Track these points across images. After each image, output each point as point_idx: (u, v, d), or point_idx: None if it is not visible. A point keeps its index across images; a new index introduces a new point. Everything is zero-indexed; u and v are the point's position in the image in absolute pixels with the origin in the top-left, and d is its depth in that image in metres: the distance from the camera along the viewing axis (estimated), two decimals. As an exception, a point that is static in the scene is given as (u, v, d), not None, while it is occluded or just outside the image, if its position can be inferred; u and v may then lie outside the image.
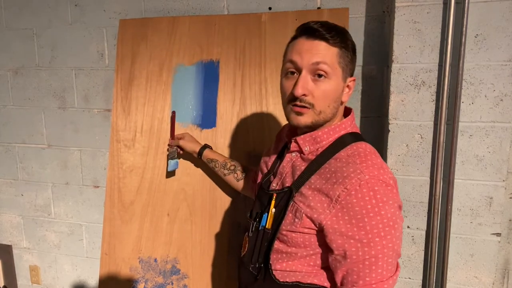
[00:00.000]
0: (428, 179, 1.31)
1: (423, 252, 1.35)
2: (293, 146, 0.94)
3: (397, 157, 1.33)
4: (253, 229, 0.98)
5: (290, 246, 0.90)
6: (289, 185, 0.92)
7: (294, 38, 0.89)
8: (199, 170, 1.54)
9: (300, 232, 0.87)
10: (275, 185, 0.97)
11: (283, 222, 0.89)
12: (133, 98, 1.61)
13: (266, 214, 0.94)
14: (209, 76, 1.53)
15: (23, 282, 2.11)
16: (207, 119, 1.53)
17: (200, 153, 1.40)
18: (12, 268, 2.10)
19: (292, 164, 0.95)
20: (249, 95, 1.50)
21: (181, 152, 1.47)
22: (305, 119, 0.87)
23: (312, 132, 0.90)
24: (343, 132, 0.90)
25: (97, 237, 1.91)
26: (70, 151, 1.88)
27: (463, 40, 1.19)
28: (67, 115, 1.85)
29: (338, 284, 0.85)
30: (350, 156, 0.85)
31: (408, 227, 1.35)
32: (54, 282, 2.05)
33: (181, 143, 1.44)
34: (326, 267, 0.89)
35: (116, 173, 1.61)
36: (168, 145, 1.50)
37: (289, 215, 0.88)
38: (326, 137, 0.90)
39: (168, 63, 1.58)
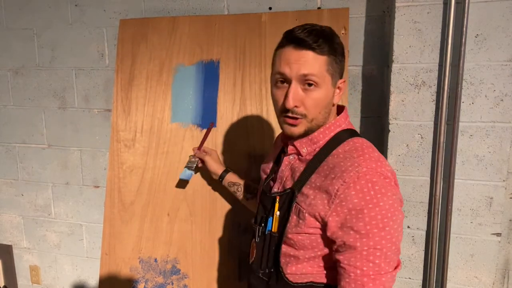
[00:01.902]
0: (428, 179, 1.31)
1: (423, 252, 1.35)
2: (290, 149, 0.95)
3: (397, 157, 1.32)
4: (260, 234, 0.98)
5: (297, 249, 0.90)
6: (290, 186, 0.92)
7: (281, 45, 0.88)
8: (199, 170, 1.54)
9: (306, 233, 0.87)
10: (276, 189, 0.97)
11: (288, 225, 0.89)
12: (133, 98, 1.61)
13: (271, 217, 0.94)
14: (209, 76, 1.53)
15: (23, 282, 2.11)
16: (207, 119, 1.53)
17: (222, 176, 1.35)
18: (12, 268, 2.10)
19: (291, 166, 0.96)
20: (249, 95, 1.50)
21: (200, 165, 1.42)
22: (298, 129, 0.89)
23: (309, 135, 0.92)
24: (338, 130, 0.92)
25: (97, 237, 1.91)
26: (70, 151, 1.88)
27: (463, 40, 1.19)
28: (67, 115, 1.85)
29: (338, 275, 0.86)
30: (347, 151, 0.86)
31: (408, 227, 1.35)
32: (54, 282, 2.05)
33: (206, 158, 1.38)
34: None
35: (116, 173, 1.61)
36: (192, 155, 1.43)
37: (293, 217, 0.89)
38: (322, 136, 0.91)
39: (168, 63, 1.58)
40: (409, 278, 1.37)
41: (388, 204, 0.80)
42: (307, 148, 0.92)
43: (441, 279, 1.32)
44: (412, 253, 1.36)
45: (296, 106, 0.86)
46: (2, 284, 2.12)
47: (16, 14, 1.83)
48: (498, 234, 1.28)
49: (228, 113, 1.51)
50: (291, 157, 0.96)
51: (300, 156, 0.94)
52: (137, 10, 1.67)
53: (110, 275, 1.62)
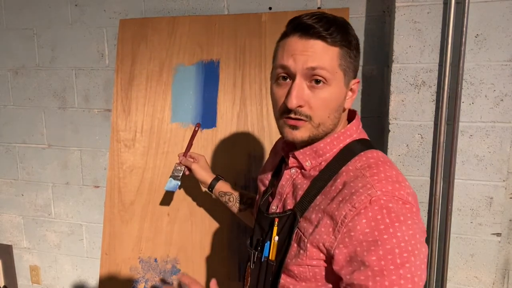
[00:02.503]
0: (428, 179, 1.31)
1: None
2: (291, 161, 0.80)
3: (397, 157, 1.32)
4: (255, 260, 0.84)
5: (299, 281, 0.76)
6: (291, 207, 0.78)
7: (284, 35, 0.74)
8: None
9: (308, 265, 0.73)
10: (275, 207, 0.83)
11: (288, 254, 0.75)
12: (133, 98, 1.61)
13: (269, 242, 0.80)
14: (209, 76, 1.53)
15: (23, 282, 2.11)
16: (207, 119, 1.53)
17: (212, 185, 1.18)
18: (12, 268, 2.10)
19: (292, 182, 0.81)
20: (249, 95, 1.49)
21: (187, 173, 1.27)
22: (301, 133, 0.74)
23: (312, 145, 0.77)
24: (348, 140, 0.77)
25: (97, 237, 1.91)
26: (70, 151, 1.88)
27: (463, 40, 1.19)
28: (67, 115, 1.85)
29: None
30: (359, 169, 0.71)
31: (408, 227, 1.35)
32: (54, 282, 2.05)
33: (194, 167, 1.22)
34: None
35: (116, 173, 1.62)
36: (177, 163, 1.28)
37: (294, 246, 0.75)
38: (329, 148, 0.76)
39: (168, 63, 1.58)
40: (409, 278, 1.37)
41: (408, 235, 0.64)
42: (311, 161, 0.77)
43: (441, 279, 1.32)
44: (412, 253, 1.36)
45: (300, 106, 0.71)
46: (2, 284, 2.12)
47: (16, 14, 1.83)
48: (498, 234, 1.28)
49: (228, 113, 1.51)
50: (293, 170, 0.81)
51: (303, 171, 0.79)
52: (137, 10, 1.67)
53: (110, 275, 1.62)
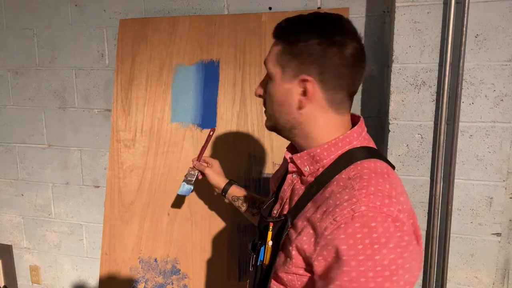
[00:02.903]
0: (428, 179, 1.31)
1: (423, 252, 1.35)
2: (291, 166, 0.80)
3: (397, 157, 1.32)
4: (253, 263, 0.84)
5: None
6: (285, 213, 0.78)
7: None
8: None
9: (295, 274, 0.72)
10: (275, 211, 0.83)
11: (278, 260, 0.75)
12: (133, 98, 1.61)
13: (264, 246, 0.79)
14: (209, 76, 1.53)
15: (23, 282, 2.11)
16: (207, 119, 1.53)
17: (225, 190, 1.19)
18: (12, 268, 2.10)
19: (292, 187, 0.80)
20: (249, 95, 1.49)
21: (200, 177, 1.26)
22: (266, 122, 0.81)
23: (310, 149, 0.75)
24: (348, 147, 0.73)
25: (97, 237, 1.91)
26: (70, 151, 1.88)
27: (463, 40, 1.19)
28: (67, 115, 1.85)
29: None
30: (351, 178, 0.68)
31: (408, 227, 1.35)
32: (54, 282, 2.05)
33: (207, 171, 1.22)
34: None
35: (116, 173, 1.62)
36: (191, 167, 1.28)
37: (281, 253, 0.74)
38: (326, 154, 0.73)
39: (168, 63, 1.58)
40: (409, 278, 1.37)
41: (388, 259, 0.60)
42: (309, 167, 0.76)
43: (441, 279, 1.32)
44: (412, 253, 1.36)
45: (260, 96, 0.80)
46: (2, 284, 2.12)
47: (16, 14, 1.83)
48: (498, 234, 1.28)
49: (228, 113, 1.51)
50: (294, 175, 0.80)
51: (303, 176, 0.78)
52: (137, 10, 1.67)
53: (110, 275, 1.62)
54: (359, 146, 0.74)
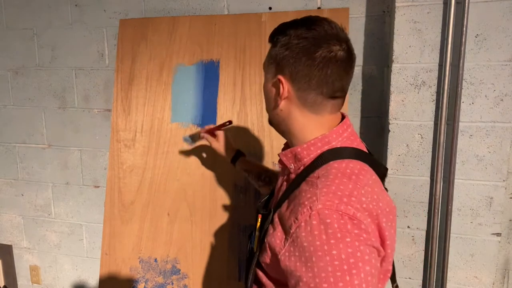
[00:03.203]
0: (428, 179, 1.31)
1: (423, 252, 1.35)
2: (279, 164, 0.85)
3: (397, 157, 1.32)
4: (249, 249, 0.89)
5: (266, 277, 0.82)
6: (272, 207, 0.82)
7: None
8: (199, 170, 1.54)
9: (268, 264, 0.77)
10: (271, 204, 0.88)
11: (261, 249, 0.80)
12: (133, 98, 1.61)
13: (254, 235, 0.85)
14: (209, 76, 1.53)
15: (23, 282, 2.11)
16: (207, 119, 1.53)
17: (232, 162, 1.27)
18: (12, 268, 2.10)
19: (281, 183, 0.86)
20: (249, 95, 1.49)
21: (206, 143, 1.33)
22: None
23: (292, 148, 0.79)
24: (326, 147, 0.76)
25: (97, 237, 1.91)
26: (70, 151, 1.88)
27: (463, 40, 1.19)
28: (67, 115, 1.85)
29: None
30: (319, 177, 0.71)
31: (408, 227, 1.35)
32: (54, 282, 2.05)
33: (214, 145, 1.29)
34: None
35: (116, 173, 1.62)
36: (199, 132, 1.36)
37: (264, 242, 0.79)
38: (306, 153, 0.77)
39: (168, 63, 1.58)
40: (409, 278, 1.37)
41: (346, 253, 0.62)
42: (293, 165, 0.80)
43: (441, 279, 1.32)
44: (412, 253, 1.36)
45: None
46: (2, 284, 2.12)
47: (16, 14, 1.83)
48: (498, 234, 1.28)
49: (228, 113, 1.51)
50: (286, 171, 0.84)
51: (290, 173, 0.81)
52: (137, 10, 1.67)
53: (110, 275, 1.62)
54: (338, 146, 0.76)
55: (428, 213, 1.32)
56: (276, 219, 0.76)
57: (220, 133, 1.29)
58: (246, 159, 1.28)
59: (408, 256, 1.36)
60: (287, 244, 0.69)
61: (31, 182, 1.98)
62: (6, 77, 1.91)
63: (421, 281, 1.37)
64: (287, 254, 0.69)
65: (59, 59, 1.81)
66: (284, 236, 0.71)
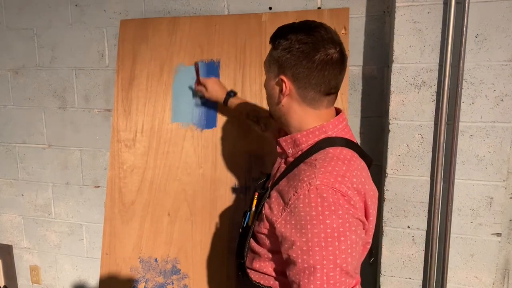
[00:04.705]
0: (429, 179, 1.31)
1: (423, 252, 1.35)
2: (278, 148, 0.95)
3: (397, 157, 1.33)
4: (242, 227, 1.00)
5: (260, 246, 0.93)
6: (269, 185, 0.94)
7: None
8: (200, 170, 1.54)
9: (263, 234, 0.89)
10: (268, 185, 0.98)
11: (256, 223, 0.92)
12: (133, 98, 1.61)
13: (249, 212, 0.96)
14: (210, 76, 1.53)
15: (23, 282, 2.11)
16: (208, 119, 1.53)
17: (225, 102, 1.37)
18: (12, 268, 2.10)
19: (279, 167, 0.96)
20: (249, 95, 1.50)
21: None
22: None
23: (292, 134, 0.90)
24: (323, 136, 0.87)
25: (97, 237, 1.91)
26: (71, 151, 1.88)
27: (463, 40, 1.19)
28: (67, 115, 1.85)
29: None
30: (317, 160, 0.83)
31: (408, 227, 1.35)
32: (55, 282, 2.05)
33: (206, 95, 1.42)
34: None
35: (116, 173, 1.62)
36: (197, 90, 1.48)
37: (260, 216, 0.91)
38: (305, 140, 0.88)
39: (169, 63, 1.58)
40: (409, 278, 1.38)
41: (337, 223, 0.75)
42: (292, 150, 0.91)
43: (441, 279, 1.32)
44: (412, 253, 1.36)
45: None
46: (2, 284, 2.12)
47: (16, 14, 1.83)
48: (498, 234, 1.28)
49: (228, 113, 1.51)
50: (283, 155, 0.95)
51: (287, 158, 0.93)
52: (137, 10, 1.67)
53: (110, 275, 1.62)
54: (334, 136, 0.87)
55: (428, 213, 1.32)
56: (274, 194, 0.88)
57: (207, 82, 1.40)
58: (236, 99, 1.37)
59: (408, 256, 1.37)
60: (284, 214, 0.82)
61: (31, 182, 1.98)
62: (6, 77, 1.91)
63: (421, 281, 1.37)
64: (283, 222, 0.81)
65: (59, 59, 1.81)
66: (281, 207, 0.83)
